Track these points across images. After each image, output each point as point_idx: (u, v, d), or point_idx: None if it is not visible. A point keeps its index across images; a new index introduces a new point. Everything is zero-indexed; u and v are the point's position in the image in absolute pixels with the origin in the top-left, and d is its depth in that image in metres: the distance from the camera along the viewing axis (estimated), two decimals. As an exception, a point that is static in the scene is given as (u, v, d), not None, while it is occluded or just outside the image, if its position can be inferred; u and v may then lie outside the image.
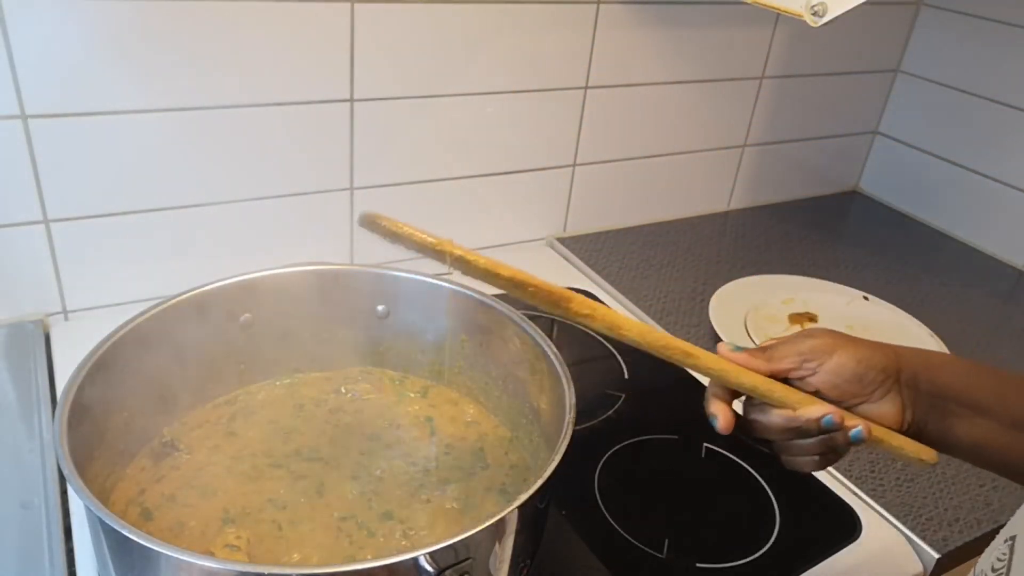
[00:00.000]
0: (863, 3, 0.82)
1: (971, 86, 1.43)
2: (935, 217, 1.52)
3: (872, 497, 0.85)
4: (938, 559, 0.80)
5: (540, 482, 0.58)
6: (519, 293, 0.58)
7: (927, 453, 0.59)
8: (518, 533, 0.60)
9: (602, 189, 1.31)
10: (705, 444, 0.88)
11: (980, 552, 0.80)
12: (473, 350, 0.82)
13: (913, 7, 1.47)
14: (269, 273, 0.79)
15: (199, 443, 0.75)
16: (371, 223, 0.59)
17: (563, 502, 0.79)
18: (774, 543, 0.78)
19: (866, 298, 1.20)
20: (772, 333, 1.10)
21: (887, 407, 0.57)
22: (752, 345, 1.04)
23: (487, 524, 0.55)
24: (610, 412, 0.93)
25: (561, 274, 1.22)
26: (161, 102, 0.91)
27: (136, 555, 0.54)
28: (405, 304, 0.83)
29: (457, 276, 0.77)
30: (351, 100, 1.02)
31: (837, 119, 1.53)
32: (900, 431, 0.58)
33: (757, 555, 0.76)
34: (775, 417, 0.57)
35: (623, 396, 0.95)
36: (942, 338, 1.11)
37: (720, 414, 0.58)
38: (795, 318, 1.14)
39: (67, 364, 0.85)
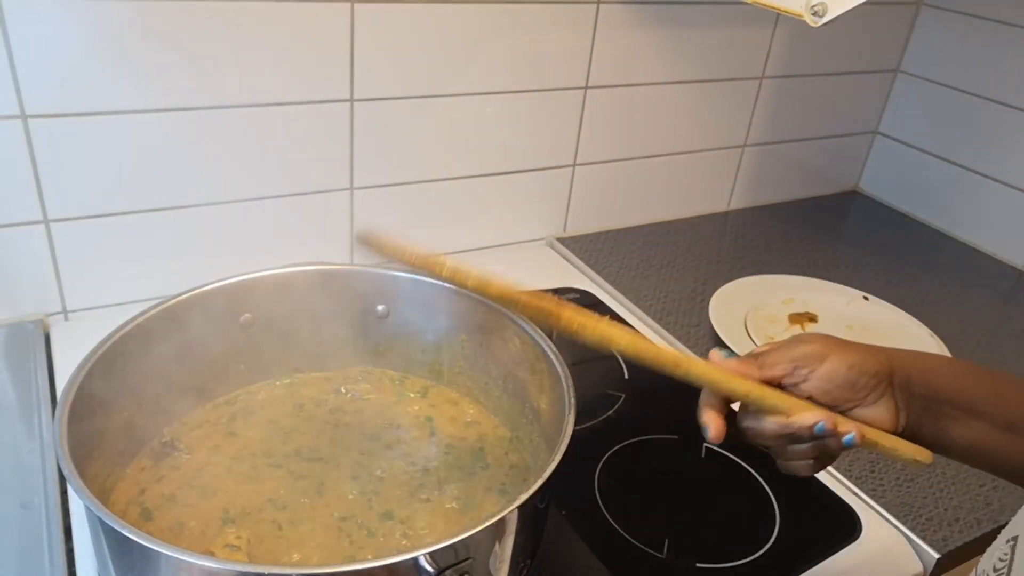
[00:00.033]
0: (863, 3, 0.82)
1: (971, 86, 1.43)
2: (935, 217, 1.52)
3: (872, 497, 0.85)
4: (938, 559, 0.80)
5: (540, 482, 0.58)
6: (510, 307, 0.59)
7: (922, 454, 0.59)
8: (518, 533, 0.60)
9: (602, 189, 1.31)
10: (705, 444, 0.88)
11: (980, 552, 0.80)
12: (473, 350, 0.82)
13: (913, 7, 1.47)
14: (269, 273, 0.79)
15: (199, 443, 0.75)
16: (366, 241, 0.59)
17: (563, 502, 0.79)
18: (774, 543, 0.78)
19: (866, 298, 1.20)
20: (772, 333, 1.10)
21: (881, 411, 0.57)
22: (752, 345, 1.05)
23: (487, 524, 0.55)
24: (610, 412, 0.93)
25: (561, 274, 1.22)
26: (161, 102, 0.91)
27: (136, 555, 0.54)
28: (405, 304, 0.83)
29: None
30: (351, 100, 1.02)
31: (837, 119, 1.53)
32: (895, 433, 0.58)
33: (757, 555, 0.76)
34: (768, 424, 0.57)
35: (623, 396, 0.95)
36: (942, 338, 1.11)
37: (711, 424, 0.58)
38: (795, 318, 1.14)
39: (67, 364, 0.85)
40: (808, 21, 0.85)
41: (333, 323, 0.83)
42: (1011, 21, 1.35)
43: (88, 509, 0.54)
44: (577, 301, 1.12)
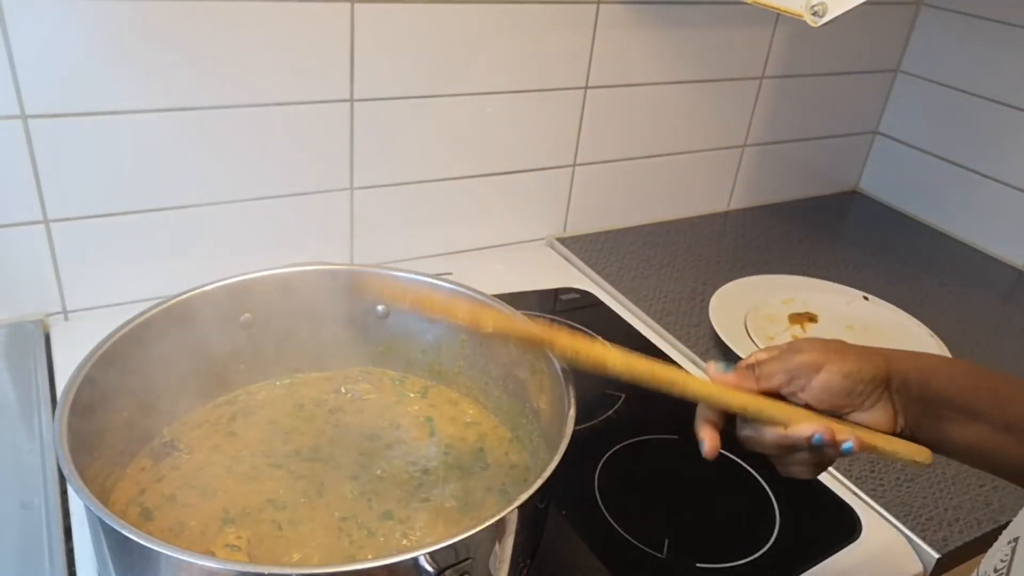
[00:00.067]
0: (863, 3, 0.82)
1: (971, 86, 1.43)
2: (935, 217, 1.52)
3: (872, 497, 0.85)
4: (938, 559, 0.80)
5: (540, 482, 0.58)
6: (503, 340, 0.59)
7: (922, 454, 0.59)
8: (518, 533, 0.60)
9: (602, 189, 1.31)
10: (705, 444, 0.88)
11: (980, 552, 0.80)
12: (473, 350, 0.82)
13: (913, 7, 1.47)
14: (269, 273, 0.79)
15: (199, 443, 0.75)
16: (358, 289, 0.60)
17: (563, 502, 0.79)
18: (774, 543, 0.78)
19: (866, 298, 1.20)
20: (772, 333, 1.10)
21: (879, 414, 0.57)
22: (752, 345, 1.05)
23: (487, 524, 0.55)
24: (610, 412, 0.93)
25: (561, 274, 1.22)
26: (161, 102, 0.91)
27: (136, 555, 0.54)
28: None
29: (457, 276, 0.77)
30: (351, 100, 1.02)
31: (837, 119, 1.53)
32: (893, 435, 0.58)
33: (757, 555, 0.76)
34: (767, 434, 0.58)
35: (623, 396, 0.95)
36: (942, 338, 1.11)
37: (707, 439, 0.59)
38: (795, 318, 1.14)
39: (67, 364, 0.85)
40: (808, 21, 0.85)
41: (333, 323, 0.83)
42: (1011, 21, 1.35)
43: (88, 509, 0.54)
44: (577, 301, 1.13)
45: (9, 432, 0.80)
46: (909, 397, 0.58)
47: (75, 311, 0.98)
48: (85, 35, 0.85)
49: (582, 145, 1.24)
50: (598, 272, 1.22)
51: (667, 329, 1.10)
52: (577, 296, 1.15)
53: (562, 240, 1.29)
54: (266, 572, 0.55)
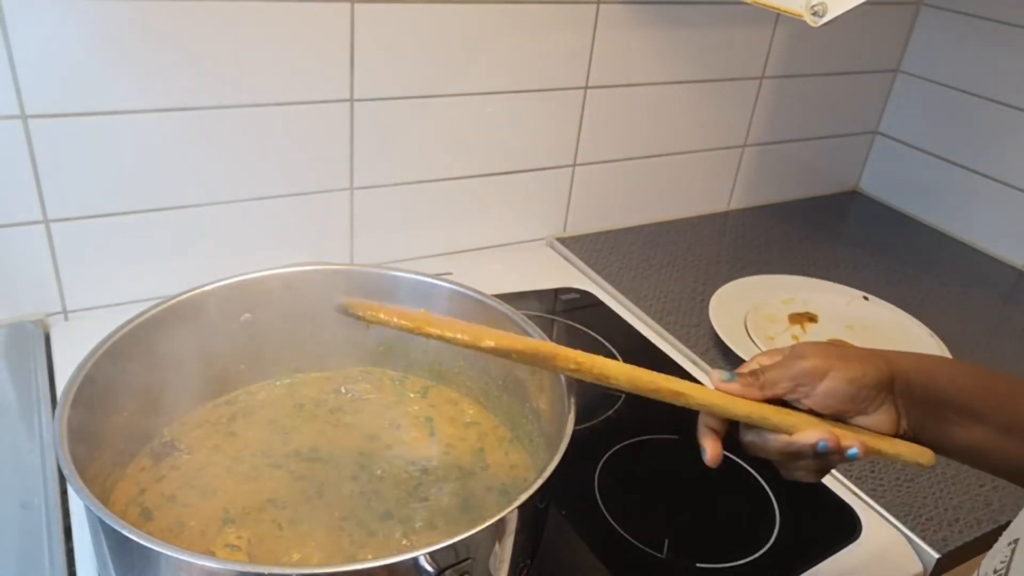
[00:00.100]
0: (863, 3, 0.82)
1: (971, 86, 1.43)
2: (935, 217, 1.52)
3: (872, 497, 0.85)
4: (938, 559, 0.80)
5: (540, 482, 0.58)
6: (505, 358, 0.59)
7: (924, 456, 0.59)
8: (518, 533, 0.60)
9: (602, 189, 1.31)
10: (705, 444, 0.88)
11: (980, 552, 0.80)
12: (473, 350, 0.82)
13: (913, 7, 1.47)
14: (269, 273, 0.79)
15: (199, 443, 0.75)
16: (346, 311, 0.59)
17: (563, 502, 0.79)
18: (774, 543, 0.78)
19: (866, 298, 1.20)
20: (772, 333, 1.10)
21: (882, 418, 0.57)
22: (752, 345, 1.05)
23: (487, 524, 0.55)
24: (610, 412, 0.93)
25: (561, 274, 1.22)
26: (161, 102, 0.91)
27: (136, 555, 0.54)
28: (405, 304, 0.82)
29: (457, 276, 0.77)
30: (351, 100, 1.02)
31: (837, 119, 1.53)
32: (896, 437, 0.58)
33: (757, 555, 0.76)
34: (771, 441, 0.58)
35: (623, 396, 0.95)
36: (942, 338, 1.11)
37: (709, 448, 0.59)
38: (795, 318, 1.14)
39: (67, 364, 0.85)
40: (808, 21, 0.85)
41: (333, 323, 0.83)
42: (1011, 21, 1.35)
43: (88, 509, 0.54)
44: (577, 301, 1.13)
45: (9, 432, 0.80)
46: (911, 399, 0.58)
47: (75, 311, 0.98)
48: (85, 35, 0.85)
49: (582, 145, 1.24)
50: (598, 272, 1.22)
51: (667, 329, 1.10)
52: (577, 296, 1.15)
53: (562, 240, 1.29)
54: (266, 572, 0.55)
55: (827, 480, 0.87)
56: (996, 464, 0.59)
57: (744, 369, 0.61)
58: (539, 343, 0.60)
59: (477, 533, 0.54)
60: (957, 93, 1.45)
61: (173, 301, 0.73)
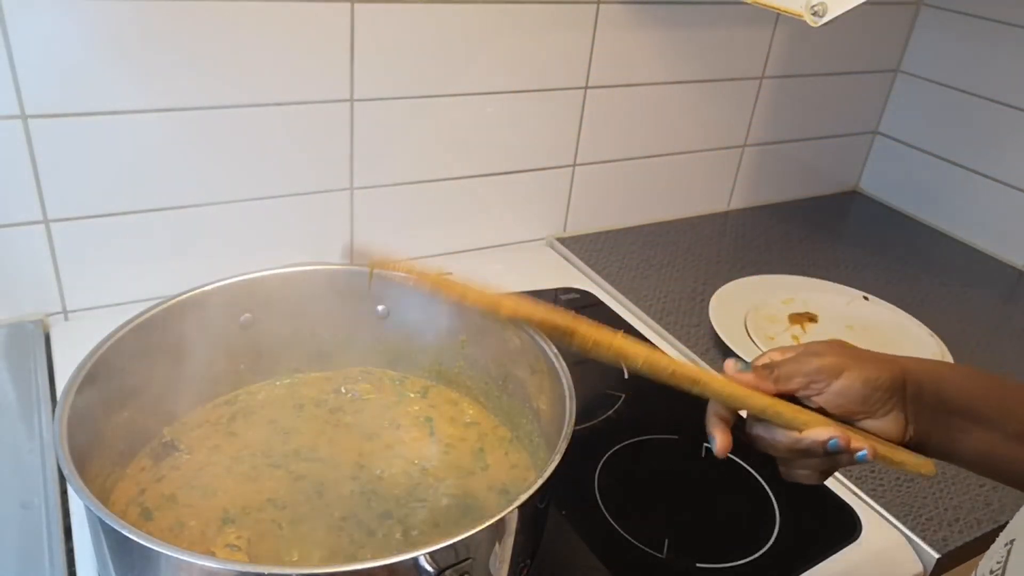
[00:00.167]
0: (863, 3, 0.82)
1: (971, 86, 1.43)
2: (935, 217, 1.52)
3: (872, 497, 0.85)
4: (938, 559, 0.80)
5: (540, 482, 0.58)
6: (521, 326, 0.58)
7: (926, 466, 0.59)
8: (518, 533, 0.60)
9: (602, 189, 1.31)
10: (705, 444, 0.88)
11: (980, 552, 0.80)
12: (473, 350, 0.82)
13: (913, 7, 1.47)
14: (269, 273, 0.79)
15: (199, 443, 0.75)
16: (359, 259, 0.58)
17: (563, 502, 0.79)
18: (774, 543, 0.78)
19: (866, 298, 1.20)
20: (772, 333, 1.10)
21: (890, 423, 0.57)
22: (752, 345, 1.05)
23: (487, 524, 0.55)
24: (610, 412, 0.93)
25: (561, 274, 1.22)
26: (161, 102, 0.91)
27: (136, 555, 0.54)
28: (405, 304, 0.83)
29: (457, 276, 0.77)
30: (351, 100, 1.02)
31: (837, 119, 1.53)
32: (902, 444, 0.58)
33: (757, 555, 0.76)
34: (780, 436, 0.57)
35: (623, 396, 0.95)
36: (942, 338, 1.11)
37: (719, 437, 0.58)
38: (795, 318, 1.14)
39: (67, 364, 0.85)
40: (808, 21, 0.85)
41: (333, 323, 0.83)
42: (1011, 21, 1.35)
43: (88, 509, 0.54)
44: (577, 301, 1.13)
45: (9, 432, 0.80)
46: (921, 406, 0.57)
47: (75, 311, 0.98)
48: (85, 35, 0.85)
49: (582, 145, 1.24)
50: (598, 272, 1.22)
51: (667, 329, 1.10)
52: (577, 296, 1.15)
53: (562, 240, 1.29)
54: (266, 572, 0.55)
55: (828, 480, 0.86)
56: (1005, 472, 0.58)
57: (758, 362, 0.60)
58: (559, 315, 0.59)
59: (477, 533, 0.54)
60: (957, 93, 1.45)
61: (173, 301, 0.73)
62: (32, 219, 0.91)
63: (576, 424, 0.64)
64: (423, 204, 1.15)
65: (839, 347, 0.59)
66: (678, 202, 1.41)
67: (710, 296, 1.14)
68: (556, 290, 1.16)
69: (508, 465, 0.77)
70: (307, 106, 1.00)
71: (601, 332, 0.58)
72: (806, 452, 0.57)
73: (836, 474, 0.87)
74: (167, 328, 0.73)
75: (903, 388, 0.57)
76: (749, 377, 0.58)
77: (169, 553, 0.51)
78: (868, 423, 0.57)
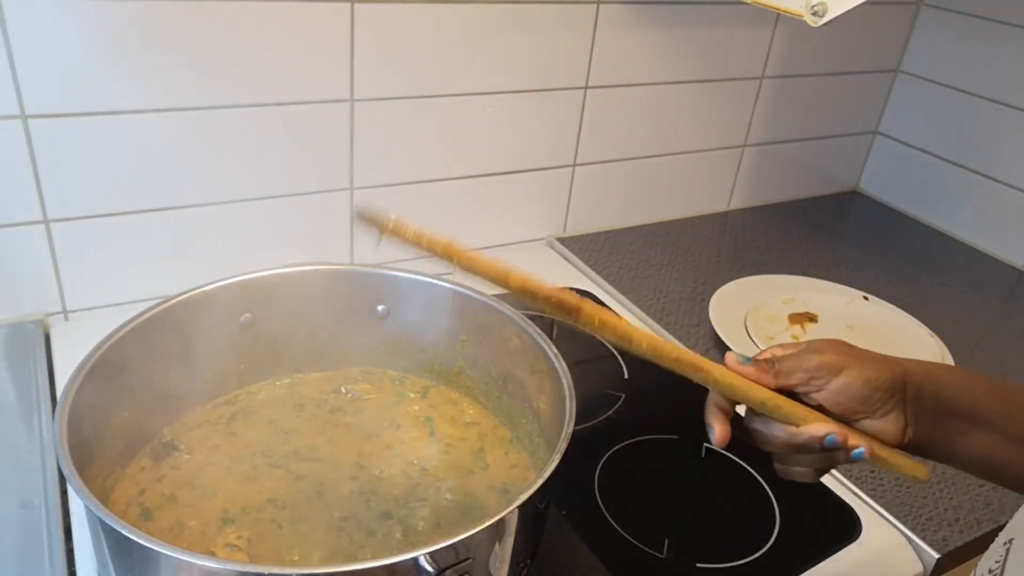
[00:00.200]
0: (863, 3, 0.82)
1: (971, 86, 1.43)
2: (935, 217, 1.52)
3: (872, 497, 0.85)
4: (938, 559, 0.80)
5: (540, 482, 0.58)
6: (528, 300, 0.57)
7: (921, 470, 0.59)
8: (518, 533, 0.60)
9: (602, 189, 1.31)
10: (705, 444, 0.88)
11: (980, 552, 0.80)
12: (473, 350, 0.82)
13: (913, 7, 1.47)
14: (269, 273, 0.79)
15: (199, 443, 0.75)
16: (369, 219, 0.57)
17: (563, 502, 0.79)
18: (774, 543, 0.78)
19: (866, 298, 1.20)
20: (772, 333, 1.10)
21: (889, 424, 0.57)
22: (752, 345, 1.05)
23: (487, 524, 0.55)
24: (610, 412, 0.93)
25: (561, 274, 1.22)
26: (161, 102, 0.91)
27: (136, 555, 0.54)
28: (405, 304, 0.83)
29: (457, 276, 0.77)
30: (351, 100, 1.02)
31: (837, 119, 1.53)
32: (900, 446, 0.58)
33: (757, 555, 0.76)
34: (778, 431, 0.57)
35: (623, 396, 0.95)
36: (942, 338, 1.11)
37: (718, 427, 0.58)
38: (795, 318, 1.14)
39: (67, 364, 0.85)
40: (808, 21, 0.85)
41: (333, 323, 0.83)
42: (1011, 21, 1.35)
43: (88, 509, 0.54)
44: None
45: (9, 432, 0.80)
46: (922, 408, 0.57)
47: (75, 311, 0.98)
48: (85, 35, 0.85)
49: (582, 145, 1.24)
50: (598, 272, 1.22)
51: (667, 329, 1.10)
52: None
53: (562, 240, 1.29)
54: (266, 572, 0.55)
55: (827, 480, 0.87)
56: (1006, 474, 0.58)
57: (760, 357, 0.61)
58: (566, 292, 0.58)
59: (477, 533, 0.54)
60: (957, 93, 1.45)
61: (173, 301, 0.73)
62: (32, 219, 0.91)
63: (576, 424, 0.64)
64: (423, 204, 1.15)
65: (841, 346, 0.59)
66: (678, 202, 1.41)
67: (710, 296, 1.14)
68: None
69: (508, 465, 0.77)
70: (307, 106, 1.00)
71: (606, 312, 0.58)
72: (803, 448, 0.57)
73: (836, 474, 0.87)
74: (167, 328, 0.73)
75: (903, 389, 0.57)
76: (750, 370, 0.58)
77: (169, 553, 0.51)
78: (867, 423, 0.57)
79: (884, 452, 0.57)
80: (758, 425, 0.59)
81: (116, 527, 0.52)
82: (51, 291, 0.95)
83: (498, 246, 1.25)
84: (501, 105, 1.13)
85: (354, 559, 0.65)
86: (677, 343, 1.07)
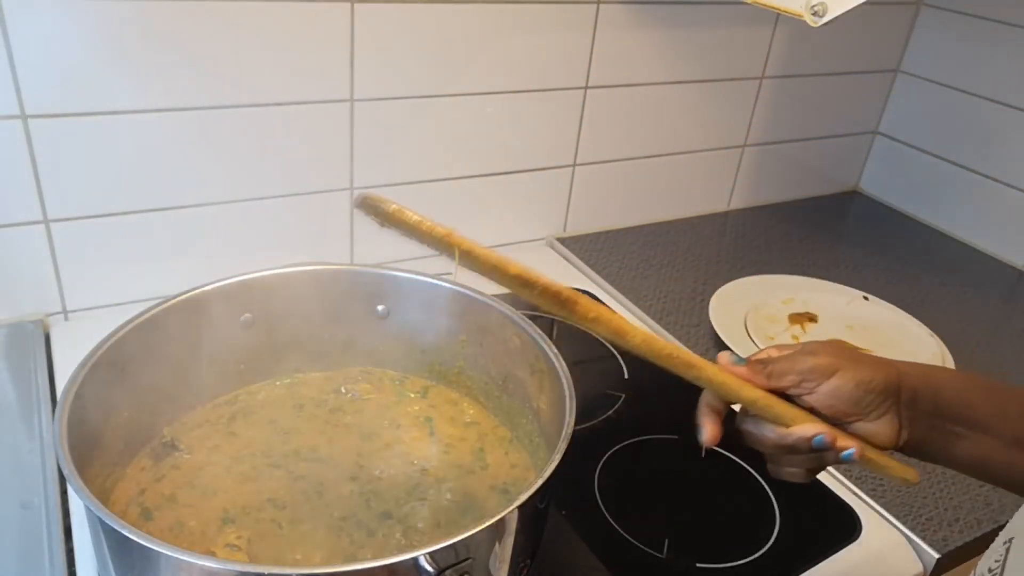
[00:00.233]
0: (863, 3, 0.82)
1: (971, 86, 1.43)
2: (935, 217, 1.52)
3: (872, 497, 0.85)
4: (938, 559, 0.80)
5: (540, 482, 0.58)
6: (525, 292, 0.57)
7: (910, 473, 0.59)
8: (518, 533, 0.60)
9: (602, 189, 1.31)
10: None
11: (980, 552, 0.80)
12: (473, 350, 0.82)
13: (913, 7, 1.47)
14: (269, 273, 0.79)
15: (199, 443, 0.75)
16: (370, 207, 0.56)
17: (563, 502, 0.79)
18: (774, 543, 0.78)
19: (866, 298, 1.20)
20: (772, 333, 1.10)
21: (883, 426, 0.57)
22: (752, 345, 1.05)
23: (487, 524, 0.55)
24: (610, 412, 0.93)
25: (561, 274, 1.22)
26: (161, 102, 0.91)
27: (136, 555, 0.54)
28: (405, 304, 0.83)
29: (457, 276, 0.77)
30: (351, 100, 1.02)
31: (837, 119, 1.53)
32: (896, 448, 0.58)
33: (757, 555, 0.76)
34: (768, 432, 0.58)
35: (623, 396, 0.95)
36: (942, 338, 1.11)
37: (708, 427, 0.58)
38: (795, 318, 1.14)
39: (67, 364, 0.85)
40: (808, 21, 0.85)
41: (333, 323, 0.83)
42: (1011, 21, 1.35)
43: (88, 509, 0.54)
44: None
45: (9, 432, 0.80)
46: (917, 411, 0.57)
47: (75, 311, 0.98)
48: (85, 35, 0.85)
49: (582, 145, 1.24)
50: (598, 272, 1.22)
51: (667, 329, 1.10)
52: (577, 296, 1.15)
53: (562, 240, 1.29)
54: (266, 572, 0.55)
55: (827, 480, 0.87)
56: (1003, 477, 0.58)
57: (754, 358, 0.61)
58: (563, 287, 0.58)
59: (477, 533, 0.54)
60: (957, 93, 1.45)
61: (173, 301, 0.73)
62: (32, 219, 0.91)
63: (576, 424, 0.64)
64: (423, 204, 1.14)
65: (836, 348, 0.59)
66: (678, 202, 1.41)
67: (710, 296, 1.14)
68: (556, 290, 1.16)
69: (508, 465, 0.77)
70: (307, 106, 1.00)
71: (601, 307, 0.58)
72: (792, 448, 0.57)
73: (836, 474, 0.87)
74: (167, 328, 0.73)
75: (897, 392, 0.57)
76: (743, 370, 0.59)
77: (169, 553, 0.51)
78: (860, 425, 0.57)
79: (873, 454, 0.57)
80: (749, 425, 0.59)
81: (116, 527, 0.52)
82: (51, 291, 0.95)
83: (498, 246, 1.25)
84: (501, 105, 1.13)
85: (354, 559, 0.65)
86: (677, 343, 1.07)
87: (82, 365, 0.65)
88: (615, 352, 1.02)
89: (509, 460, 0.77)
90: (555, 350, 0.72)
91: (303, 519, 0.69)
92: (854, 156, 1.61)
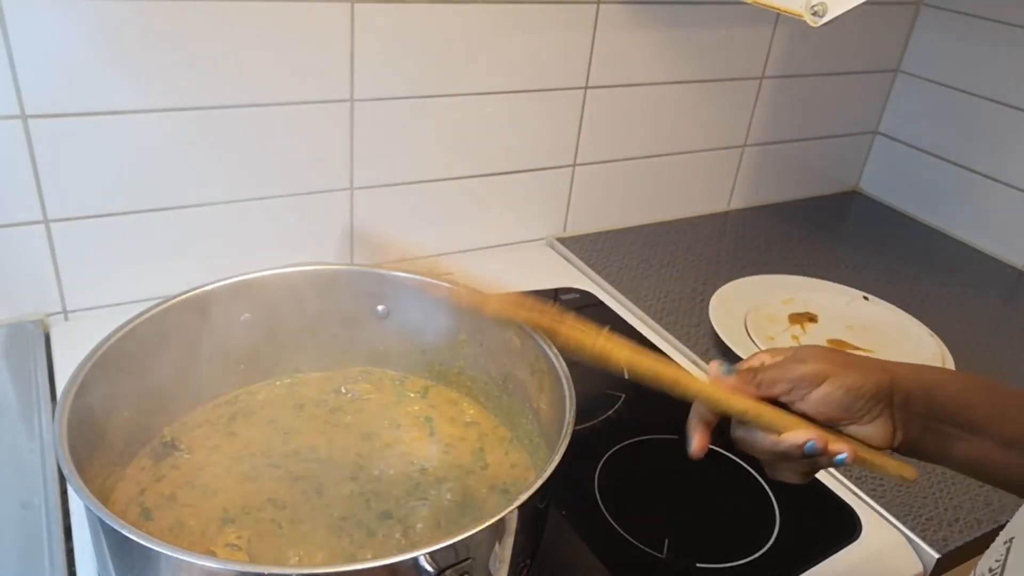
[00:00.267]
0: (863, 3, 0.82)
1: (971, 86, 1.43)
2: (935, 217, 1.52)
3: (872, 497, 0.85)
4: (938, 559, 0.80)
5: (540, 482, 0.58)
6: (508, 324, 0.58)
7: (907, 470, 0.59)
8: (518, 533, 0.60)
9: (602, 189, 1.31)
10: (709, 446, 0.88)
11: (980, 552, 0.80)
12: (473, 350, 0.82)
13: (913, 7, 1.47)
14: (269, 273, 0.79)
15: (199, 443, 0.75)
16: (365, 243, 0.58)
17: (563, 502, 0.79)
18: (774, 543, 0.78)
19: (866, 298, 1.20)
20: (772, 333, 1.10)
21: (877, 429, 0.57)
22: (752, 345, 1.05)
23: (487, 524, 0.55)
24: (610, 412, 0.93)
25: (561, 274, 1.22)
26: (161, 102, 0.91)
27: (136, 555, 0.54)
28: (405, 304, 0.83)
29: (457, 276, 0.77)
30: (351, 100, 1.02)
31: (837, 119, 1.53)
32: (892, 449, 0.58)
33: (757, 555, 0.76)
34: (760, 439, 0.58)
35: (623, 396, 0.95)
36: (942, 338, 1.11)
37: (696, 439, 0.59)
38: (795, 318, 1.14)
39: (67, 364, 0.85)
40: (808, 21, 0.85)
41: (333, 323, 0.83)
42: (1011, 21, 1.35)
43: (88, 509, 0.54)
44: (577, 301, 1.13)
45: (9, 432, 0.80)
46: (911, 413, 0.57)
47: (75, 311, 0.98)
48: (85, 35, 0.85)
49: (582, 145, 1.24)
50: (598, 272, 1.22)
51: (667, 329, 1.10)
52: (577, 296, 1.15)
53: (562, 240, 1.29)
54: (266, 572, 0.55)
55: (827, 480, 0.87)
56: (999, 478, 0.58)
57: (745, 365, 0.61)
58: (543, 316, 0.59)
59: (477, 533, 0.54)
60: (957, 93, 1.45)
61: (173, 301, 0.73)
62: (32, 219, 0.91)
63: (576, 424, 0.64)
64: (423, 204, 1.15)
65: (826, 354, 0.58)
66: (678, 202, 1.41)
67: (710, 296, 1.14)
68: (556, 290, 1.16)
69: (508, 465, 0.77)
70: (307, 106, 1.00)
71: (584, 333, 0.58)
72: (785, 455, 0.57)
73: (836, 474, 0.87)
74: (167, 328, 0.73)
75: (890, 395, 0.57)
76: (731, 380, 0.59)
77: (169, 553, 0.51)
78: (853, 429, 0.57)
79: (868, 454, 0.57)
80: (742, 433, 0.59)
81: (116, 527, 0.52)
82: (51, 291, 0.95)
83: (498, 246, 1.25)
84: (501, 105, 1.13)
85: (354, 559, 0.65)
86: (677, 343, 1.07)
87: (82, 365, 0.65)
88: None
89: (509, 460, 0.77)
90: (555, 350, 0.72)
91: (303, 519, 0.69)
92: (854, 156, 1.61)
